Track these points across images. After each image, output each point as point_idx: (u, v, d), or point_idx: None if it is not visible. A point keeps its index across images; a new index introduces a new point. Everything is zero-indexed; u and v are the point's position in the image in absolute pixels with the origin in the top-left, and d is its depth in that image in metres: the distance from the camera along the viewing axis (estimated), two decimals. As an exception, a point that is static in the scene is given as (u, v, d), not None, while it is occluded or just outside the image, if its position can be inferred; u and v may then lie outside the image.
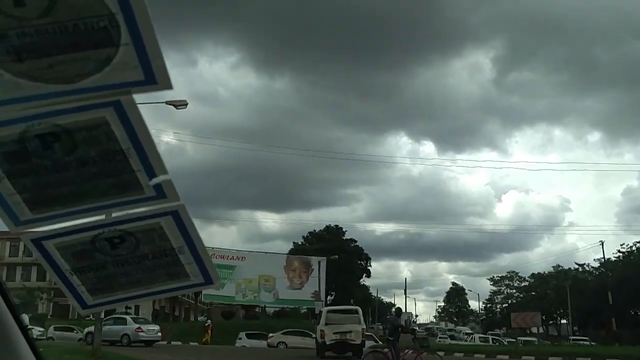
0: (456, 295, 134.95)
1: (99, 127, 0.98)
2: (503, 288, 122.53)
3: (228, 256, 62.79)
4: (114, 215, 1.08)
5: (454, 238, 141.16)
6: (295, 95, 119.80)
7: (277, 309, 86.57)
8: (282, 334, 41.43)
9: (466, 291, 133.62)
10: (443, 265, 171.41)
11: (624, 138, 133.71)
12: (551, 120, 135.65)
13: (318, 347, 26.02)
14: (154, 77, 0.97)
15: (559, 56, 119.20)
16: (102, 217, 1.08)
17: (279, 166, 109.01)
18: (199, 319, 66.98)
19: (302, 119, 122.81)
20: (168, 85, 0.99)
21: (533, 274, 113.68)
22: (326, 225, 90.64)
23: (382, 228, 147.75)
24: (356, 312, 26.55)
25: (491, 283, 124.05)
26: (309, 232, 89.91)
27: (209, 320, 47.52)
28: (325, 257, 66.07)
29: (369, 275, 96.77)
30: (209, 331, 44.18)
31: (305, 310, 72.58)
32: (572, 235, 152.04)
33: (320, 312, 28.55)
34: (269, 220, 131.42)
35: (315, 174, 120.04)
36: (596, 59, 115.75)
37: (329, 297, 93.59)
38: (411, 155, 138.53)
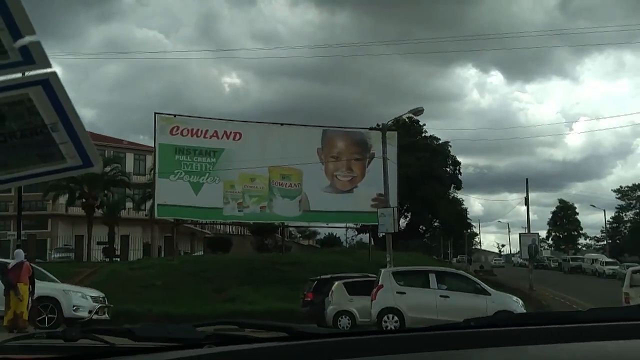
0: (564, 216, 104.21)
1: None
2: (634, 202, 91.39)
3: (204, 131, 32.69)
4: None
5: (523, 169, 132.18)
6: (358, 29, 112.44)
7: (327, 234, 58.28)
8: None
9: (577, 210, 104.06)
10: (513, 197, 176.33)
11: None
12: (620, 44, 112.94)
13: None
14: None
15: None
16: None
17: (344, 104, 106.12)
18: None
19: (365, 53, 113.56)
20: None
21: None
22: (395, 118, 61.05)
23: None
24: None
25: (618, 196, 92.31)
26: (369, 128, 60.47)
27: (23, 258, 15.87)
28: (395, 130, 35.49)
29: (459, 187, 66.01)
30: (16, 290, 14.26)
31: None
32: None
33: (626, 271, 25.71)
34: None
35: (381, 110, 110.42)
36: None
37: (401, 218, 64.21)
38: (479, 87, 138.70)
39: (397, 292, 17.84)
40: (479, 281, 19.21)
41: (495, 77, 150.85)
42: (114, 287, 24.51)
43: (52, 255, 42.95)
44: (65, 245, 45.54)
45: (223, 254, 38.52)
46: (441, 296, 17.72)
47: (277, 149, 32.81)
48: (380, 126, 32.36)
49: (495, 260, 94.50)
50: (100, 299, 18.93)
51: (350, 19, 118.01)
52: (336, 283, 20.89)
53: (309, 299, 21.81)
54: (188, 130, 32.14)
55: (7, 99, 0.90)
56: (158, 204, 31.34)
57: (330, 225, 41.54)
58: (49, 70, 0.90)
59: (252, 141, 33.04)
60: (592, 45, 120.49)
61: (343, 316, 19.94)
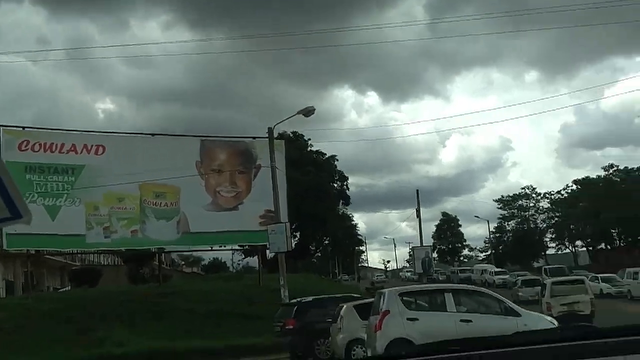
0: (448, 229, 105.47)
1: None
2: (515, 211, 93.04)
3: (59, 145, 28.03)
4: None
5: (402, 186, 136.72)
6: (234, 52, 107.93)
7: (212, 259, 53.91)
8: None
9: (460, 222, 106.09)
10: (394, 215, 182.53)
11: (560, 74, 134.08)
12: (488, 62, 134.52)
13: None
14: None
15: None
16: None
17: (224, 126, 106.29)
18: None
19: (243, 76, 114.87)
20: None
21: (576, 180, 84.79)
22: (279, 134, 58.30)
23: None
24: (582, 282, 25.89)
25: (499, 206, 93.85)
26: (253, 137, 57.33)
27: None
28: (282, 139, 32.54)
29: (347, 203, 63.98)
30: None
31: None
32: (514, 173, 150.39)
33: (543, 283, 28.21)
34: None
35: (262, 132, 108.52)
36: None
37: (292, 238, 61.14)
38: (356, 107, 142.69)
39: (408, 319, 14.38)
40: (505, 300, 16.01)
41: (372, 98, 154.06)
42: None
43: None
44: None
45: (89, 287, 33.57)
46: (462, 320, 14.52)
47: (149, 163, 28.52)
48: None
49: (377, 276, 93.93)
50: None
51: (226, 42, 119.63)
52: (345, 306, 17.69)
53: (291, 327, 18.45)
54: (40, 144, 27.32)
55: None
56: (7, 234, 26.06)
57: (214, 248, 37.51)
58: None
59: (119, 155, 28.67)
60: (461, 65, 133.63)
61: (357, 345, 16.74)
